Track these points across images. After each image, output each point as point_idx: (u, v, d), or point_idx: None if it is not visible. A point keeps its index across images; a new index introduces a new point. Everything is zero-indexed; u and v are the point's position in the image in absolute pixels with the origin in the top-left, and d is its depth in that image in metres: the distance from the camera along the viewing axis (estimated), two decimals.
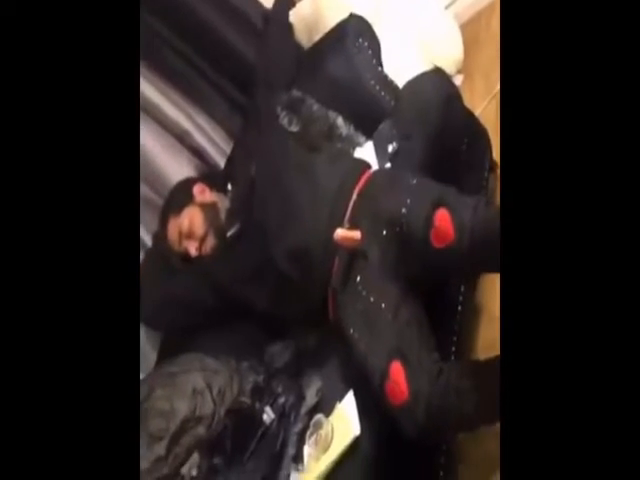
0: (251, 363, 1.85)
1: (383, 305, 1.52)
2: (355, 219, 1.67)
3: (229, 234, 1.93)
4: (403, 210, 1.52)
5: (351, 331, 1.57)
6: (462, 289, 1.80)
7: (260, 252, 1.82)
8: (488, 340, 1.81)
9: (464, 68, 2.51)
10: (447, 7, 2.66)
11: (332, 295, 1.71)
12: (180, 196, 2.07)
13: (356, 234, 1.61)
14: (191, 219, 1.98)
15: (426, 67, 2.36)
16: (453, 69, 2.48)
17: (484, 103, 2.27)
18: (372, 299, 1.54)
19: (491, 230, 1.30)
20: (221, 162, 2.42)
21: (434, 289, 1.63)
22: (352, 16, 2.16)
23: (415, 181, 1.61)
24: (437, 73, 1.96)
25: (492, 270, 1.54)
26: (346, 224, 1.67)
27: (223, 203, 2.04)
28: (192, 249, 1.97)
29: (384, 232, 1.57)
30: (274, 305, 1.86)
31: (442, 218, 1.43)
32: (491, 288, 1.87)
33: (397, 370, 1.40)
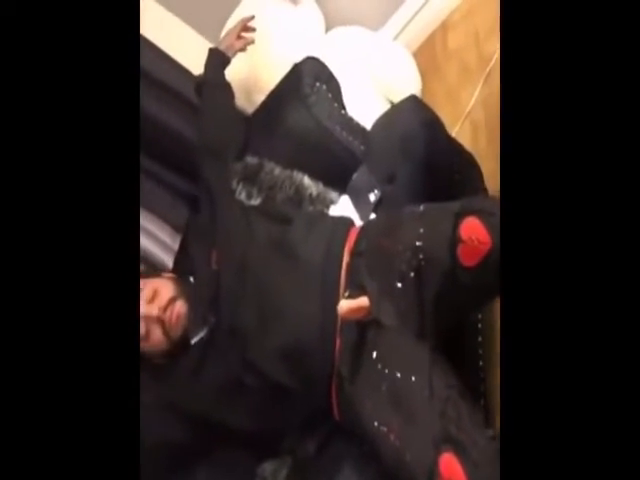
0: None
1: (414, 378, 1.33)
2: (355, 283, 1.50)
3: (193, 341, 1.68)
4: (417, 243, 1.37)
5: (375, 424, 1.36)
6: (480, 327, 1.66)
7: (236, 361, 1.61)
8: None
9: (426, 95, 2.46)
10: (395, 38, 2.62)
11: (336, 390, 1.53)
12: None
13: (363, 301, 1.42)
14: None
15: (384, 104, 2.30)
16: None
17: (457, 125, 2.22)
18: (399, 374, 1.35)
19: None
20: (168, 261, 2.23)
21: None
22: (305, 59, 2.08)
23: (422, 208, 1.47)
24: (410, 100, 1.84)
25: None
26: (345, 293, 1.50)
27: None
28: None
29: (398, 285, 1.40)
30: (261, 420, 1.65)
31: (471, 227, 1.30)
32: None
33: (450, 463, 1.19)
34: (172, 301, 1.67)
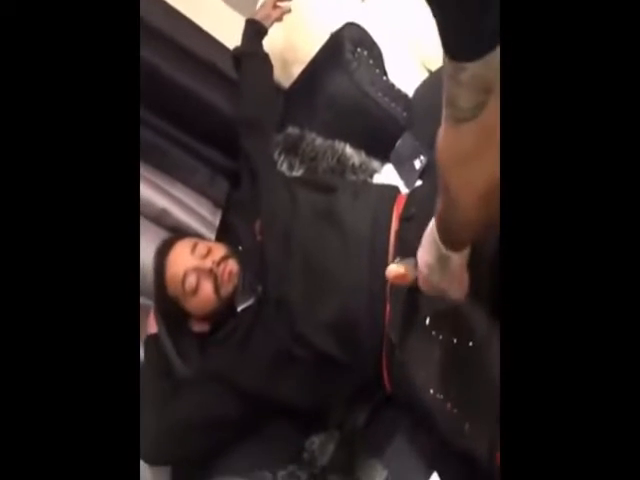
0: (290, 470, 1.64)
1: (471, 344, 1.31)
2: (405, 248, 1.46)
3: (240, 308, 1.68)
4: None
5: (431, 392, 1.34)
6: None
7: (284, 333, 1.59)
8: None
9: None
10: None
11: (387, 360, 1.50)
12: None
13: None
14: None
15: (422, 72, 2.27)
16: None
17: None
18: (455, 340, 1.33)
19: None
20: (209, 235, 2.23)
21: None
22: (346, 25, 2.04)
23: None
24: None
25: None
26: (395, 259, 1.47)
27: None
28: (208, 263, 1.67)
29: None
30: (311, 392, 1.62)
31: None
32: None
33: None
34: (225, 258, 1.69)
